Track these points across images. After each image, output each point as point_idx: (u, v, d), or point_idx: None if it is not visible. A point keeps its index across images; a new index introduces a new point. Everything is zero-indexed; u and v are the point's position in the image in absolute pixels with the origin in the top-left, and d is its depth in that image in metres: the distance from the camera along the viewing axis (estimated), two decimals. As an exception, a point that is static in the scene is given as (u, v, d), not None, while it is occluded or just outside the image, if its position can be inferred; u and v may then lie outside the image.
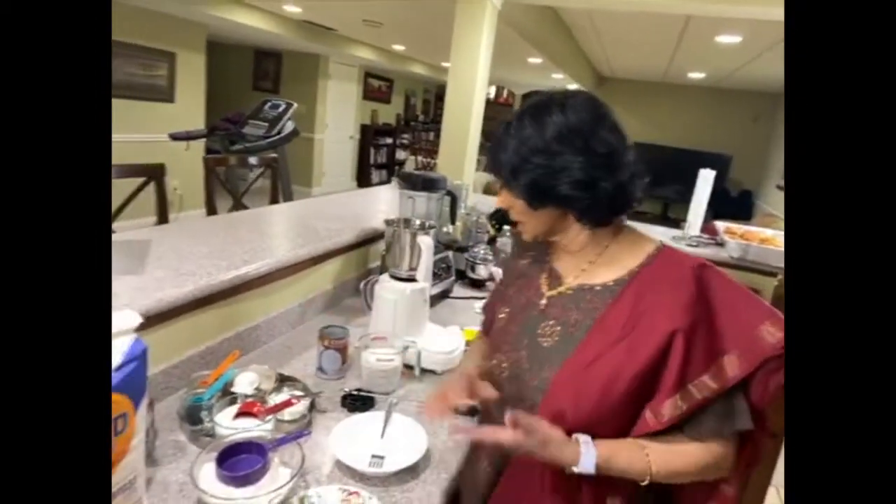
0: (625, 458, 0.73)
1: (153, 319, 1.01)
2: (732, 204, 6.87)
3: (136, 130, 4.56)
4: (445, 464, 0.98)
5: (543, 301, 0.86)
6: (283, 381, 1.12)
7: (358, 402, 1.12)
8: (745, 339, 0.72)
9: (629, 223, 0.86)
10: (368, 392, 1.15)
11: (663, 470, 0.73)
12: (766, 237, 2.29)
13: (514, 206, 0.84)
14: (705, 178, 2.44)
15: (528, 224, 0.85)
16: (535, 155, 0.77)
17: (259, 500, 0.76)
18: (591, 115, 0.77)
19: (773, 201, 6.08)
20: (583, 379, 0.75)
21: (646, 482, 0.73)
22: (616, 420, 0.75)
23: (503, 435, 0.72)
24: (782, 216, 4.95)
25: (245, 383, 1.06)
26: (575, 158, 0.75)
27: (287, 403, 0.99)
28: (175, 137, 3.17)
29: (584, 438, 0.72)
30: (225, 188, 2.60)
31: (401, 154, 9.35)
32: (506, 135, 0.80)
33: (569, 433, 0.73)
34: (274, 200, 2.61)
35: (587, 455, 0.71)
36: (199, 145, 5.03)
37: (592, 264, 0.84)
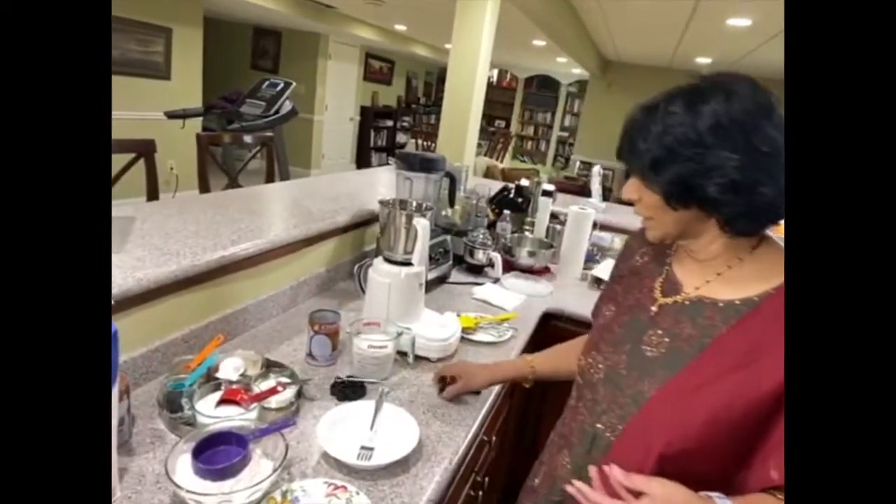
0: None
1: (133, 300, 0.95)
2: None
3: (130, 108, 4.47)
4: (438, 457, 0.93)
5: (654, 308, 0.77)
6: (269, 367, 1.07)
7: (348, 389, 1.07)
8: None
9: (772, 235, 0.74)
10: (360, 379, 1.10)
11: None
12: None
13: (646, 200, 0.73)
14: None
15: (659, 223, 0.74)
16: (685, 147, 0.66)
17: (238, 496, 0.71)
18: (758, 105, 0.65)
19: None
20: (688, 402, 0.66)
21: None
22: (717, 458, 0.66)
23: None
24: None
25: (230, 369, 1.01)
26: (732, 156, 0.64)
27: (272, 391, 0.95)
28: (171, 115, 3.10)
29: (716, 496, 0.62)
30: (220, 168, 2.54)
31: (401, 137, 9.24)
32: (649, 119, 0.69)
33: (659, 462, 0.66)
34: (270, 181, 2.54)
35: None
36: (195, 125, 4.94)
37: (720, 276, 0.73)
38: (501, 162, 7.22)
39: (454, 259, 1.83)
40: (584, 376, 0.82)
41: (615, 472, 0.63)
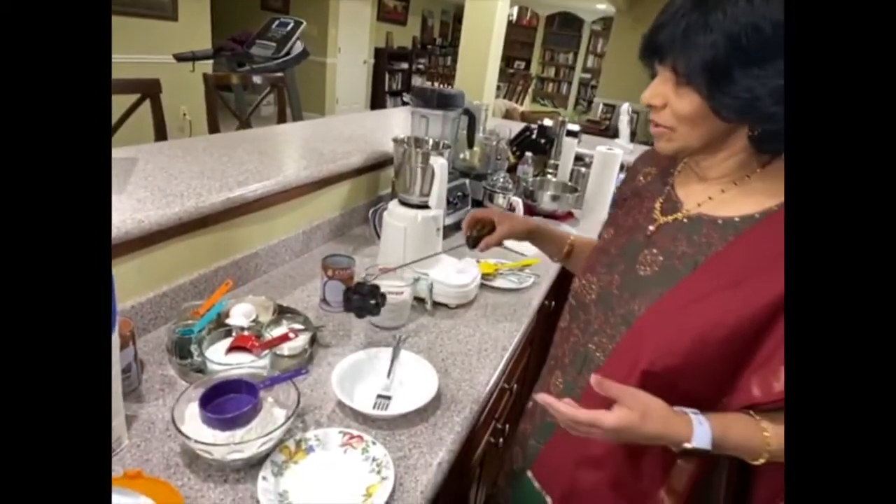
0: (739, 433, 0.61)
1: (134, 243, 0.91)
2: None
3: (135, 50, 4.33)
4: (458, 406, 0.89)
5: (652, 227, 0.73)
6: (282, 313, 1.03)
7: (364, 299, 0.92)
8: None
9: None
10: (376, 283, 1.00)
11: (780, 453, 0.60)
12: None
13: (676, 108, 0.63)
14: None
15: (682, 135, 0.65)
16: (760, 50, 0.56)
17: (249, 445, 0.68)
18: None
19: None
20: (677, 320, 0.63)
21: (760, 462, 0.61)
22: (701, 379, 0.63)
23: (607, 419, 0.59)
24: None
25: (240, 315, 0.97)
26: None
27: (284, 338, 0.90)
28: (180, 58, 2.98)
29: (691, 411, 0.61)
30: (232, 113, 2.44)
31: (417, 80, 8.94)
32: (714, 8, 0.57)
33: (642, 379, 0.63)
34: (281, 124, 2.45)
35: (701, 429, 0.59)
36: (206, 68, 4.80)
37: (723, 194, 0.68)
38: (521, 105, 6.95)
39: (473, 204, 1.75)
40: (578, 297, 0.80)
41: (591, 379, 0.61)
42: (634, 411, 0.59)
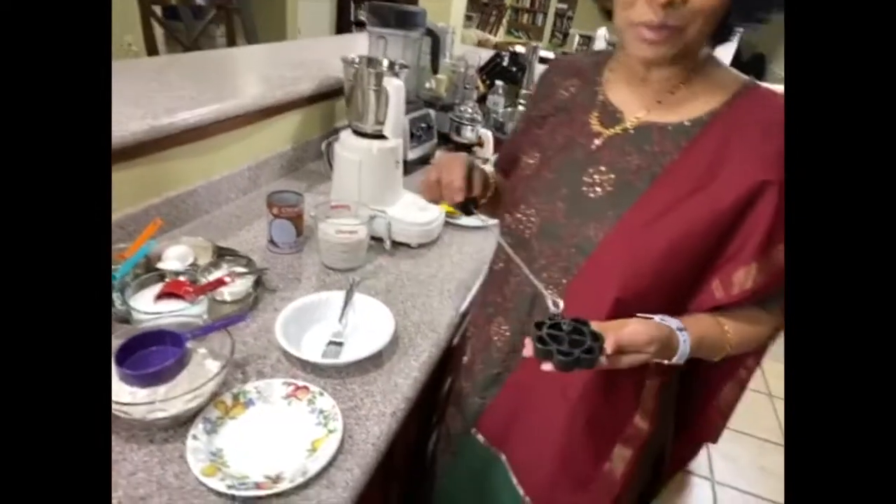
0: (710, 340, 0.61)
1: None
2: (744, 68, 6.35)
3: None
4: (416, 350, 0.83)
5: (598, 141, 0.66)
6: (222, 255, 0.93)
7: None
8: None
9: (713, 54, 0.64)
10: None
11: (737, 347, 0.63)
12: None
13: (699, 2, 0.52)
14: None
15: (694, 33, 0.55)
16: None
17: (174, 403, 0.60)
18: None
19: (789, 66, 5.61)
20: (643, 239, 0.58)
21: (719, 358, 0.63)
22: (673, 290, 0.61)
23: (642, 335, 0.55)
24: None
25: (174, 258, 0.87)
26: None
27: (220, 282, 0.81)
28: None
29: (676, 324, 0.59)
30: (177, 40, 2.22)
31: (385, 10, 8.42)
32: None
33: (616, 307, 0.59)
34: (229, 51, 2.24)
35: (684, 346, 0.58)
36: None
37: (660, 105, 0.63)
38: (495, 36, 6.63)
39: (439, 137, 1.63)
40: (514, 235, 0.71)
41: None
42: (650, 346, 0.55)
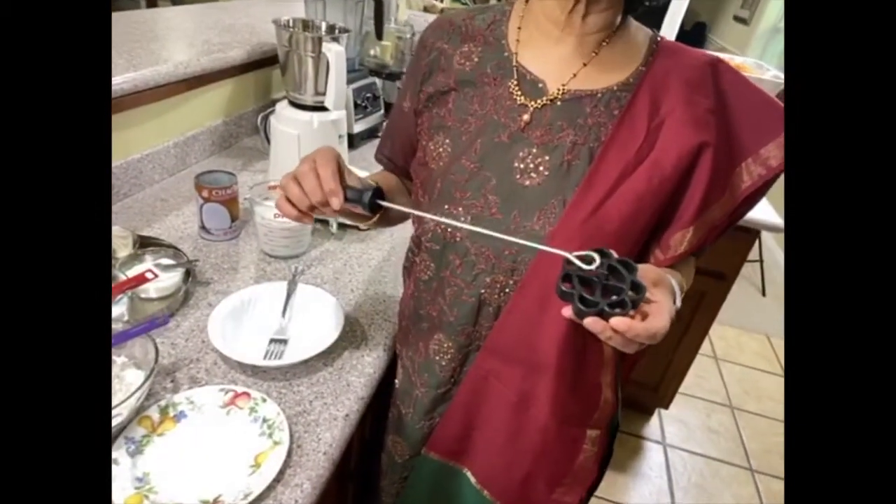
0: (679, 280, 0.59)
1: None
2: (685, 38, 6.48)
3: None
4: (370, 343, 0.77)
5: (526, 117, 0.58)
6: (145, 245, 0.83)
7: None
8: (757, 157, 0.58)
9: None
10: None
11: (686, 287, 0.63)
12: (737, 65, 2.04)
13: None
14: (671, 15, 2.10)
15: None
16: None
17: (85, 426, 0.52)
18: None
19: (729, 34, 5.75)
20: (594, 225, 0.54)
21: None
22: (631, 254, 0.58)
23: (657, 323, 0.47)
24: (737, 51, 4.70)
25: (86, 252, 0.76)
26: None
27: (141, 278, 0.72)
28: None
29: (675, 282, 0.56)
30: None
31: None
32: None
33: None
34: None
35: (677, 284, 0.57)
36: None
37: (585, 67, 0.58)
38: (441, 2, 6.43)
39: (386, 107, 1.54)
40: (440, 240, 0.62)
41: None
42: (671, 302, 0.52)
